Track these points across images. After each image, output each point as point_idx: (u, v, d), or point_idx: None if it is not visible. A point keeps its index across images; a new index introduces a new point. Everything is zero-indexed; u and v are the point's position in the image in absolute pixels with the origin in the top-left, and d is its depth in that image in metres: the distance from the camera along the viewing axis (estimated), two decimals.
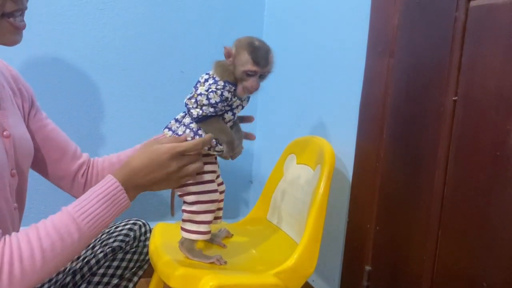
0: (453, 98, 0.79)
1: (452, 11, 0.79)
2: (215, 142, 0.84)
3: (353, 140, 1.04)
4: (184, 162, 0.78)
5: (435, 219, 0.82)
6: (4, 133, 0.78)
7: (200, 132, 0.84)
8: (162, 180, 0.77)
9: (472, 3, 0.76)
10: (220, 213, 0.98)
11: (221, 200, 0.97)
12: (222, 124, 0.85)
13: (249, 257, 0.96)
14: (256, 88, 0.83)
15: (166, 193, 1.50)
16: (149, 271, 1.08)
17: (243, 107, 0.89)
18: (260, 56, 0.81)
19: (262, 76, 0.84)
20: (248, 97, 0.90)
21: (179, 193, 0.88)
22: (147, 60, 1.42)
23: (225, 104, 0.84)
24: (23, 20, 0.74)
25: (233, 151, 0.87)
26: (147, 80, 1.43)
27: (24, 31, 0.75)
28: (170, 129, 0.88)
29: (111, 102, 1.40)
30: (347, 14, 1.09)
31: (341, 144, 1.07)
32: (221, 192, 0.96)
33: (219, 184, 0.94)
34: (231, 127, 0.90)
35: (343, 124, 1.09)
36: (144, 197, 1.47)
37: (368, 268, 1.00)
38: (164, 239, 0.97)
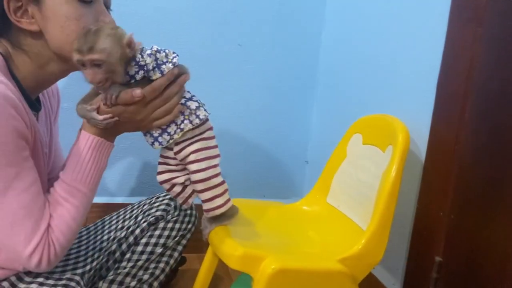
0: None
1: None
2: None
3: (428, 119, 0.94)
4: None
5: None
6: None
7: None
8: (133, 114, 0.78)
9: None
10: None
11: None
12: None
13: (308, 239, 0.92)
14: (91, 80, 0.72)
15: (230, 172, 1.48)
16: (202, 246, 1.06)
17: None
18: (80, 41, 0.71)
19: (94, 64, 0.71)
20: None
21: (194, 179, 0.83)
22: (204, 33, 1.38)
23: None
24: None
25: None
26: (204, 54, 1.39)
27: None
28: None
29: None
30: None
31: (414, 123, 0.97)
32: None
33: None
34: None
35: (416, 101, 1.00)
36: None
37: (438, 259, 0.92)
38: None
